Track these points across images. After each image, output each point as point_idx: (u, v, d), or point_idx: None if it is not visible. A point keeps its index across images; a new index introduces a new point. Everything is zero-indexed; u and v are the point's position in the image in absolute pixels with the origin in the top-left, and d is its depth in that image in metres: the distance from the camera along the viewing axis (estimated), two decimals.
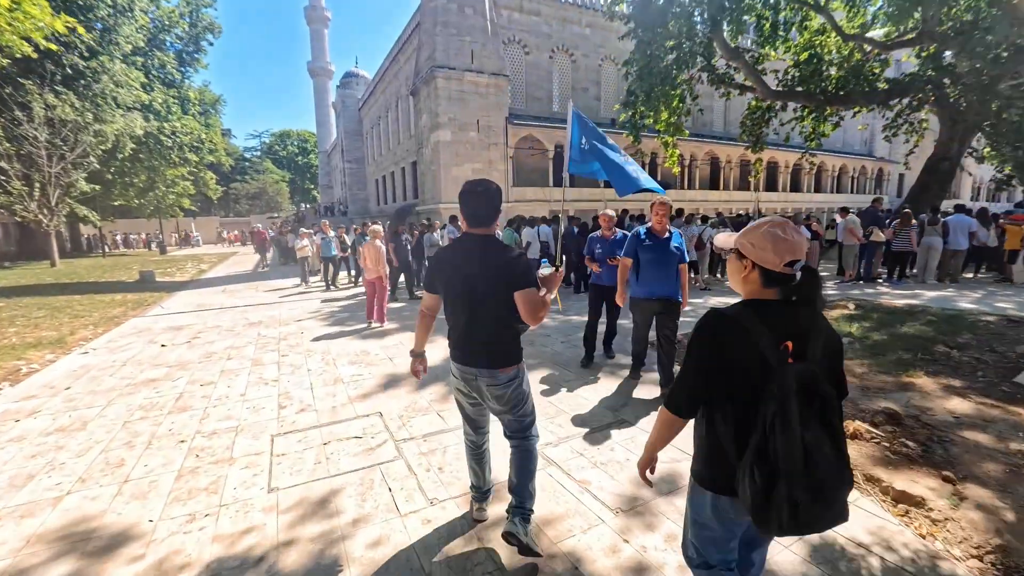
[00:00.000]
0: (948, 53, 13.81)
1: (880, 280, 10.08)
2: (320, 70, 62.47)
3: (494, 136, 21.33)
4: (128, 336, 7.21)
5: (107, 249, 33.45)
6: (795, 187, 36.39)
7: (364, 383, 4.69)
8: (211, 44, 32.17)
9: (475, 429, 2.39)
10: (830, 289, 9.18)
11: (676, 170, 20.11)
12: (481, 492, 2.49)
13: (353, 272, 12.99)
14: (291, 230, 19.37)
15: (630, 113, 16.04)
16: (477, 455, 2.43)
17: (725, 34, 15.08)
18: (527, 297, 1.99)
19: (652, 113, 15.97)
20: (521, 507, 2.22)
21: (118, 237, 37.15)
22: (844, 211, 10.27)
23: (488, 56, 20.67)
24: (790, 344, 1.19)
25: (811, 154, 20.26)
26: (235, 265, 20.10)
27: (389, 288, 7.64)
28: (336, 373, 5.03)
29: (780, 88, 16.82)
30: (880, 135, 20.15)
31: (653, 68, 14.10)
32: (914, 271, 10.17)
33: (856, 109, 17.25)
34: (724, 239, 1.45)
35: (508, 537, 2.13)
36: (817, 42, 16.48)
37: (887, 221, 10.10)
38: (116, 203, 29.00)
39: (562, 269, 3.02)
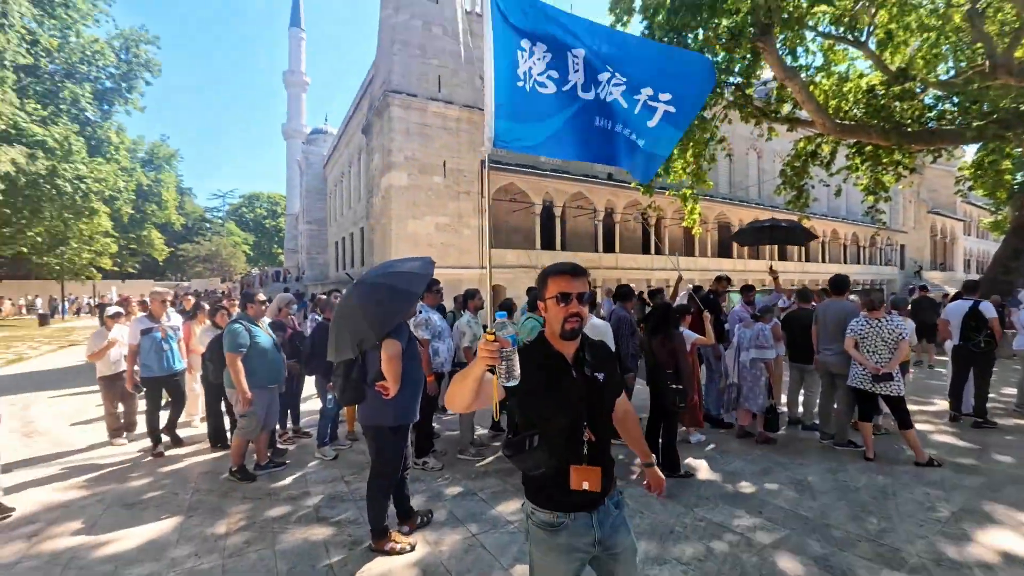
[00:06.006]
0: None
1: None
2: (294, 132, 60.29)
3: (465, 183, 16.66)
4: None
5: None
6: (802, 256, 32.54)
7: None
8: (148, 84, 28.22)
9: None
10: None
11: (698, 231, 15.56)
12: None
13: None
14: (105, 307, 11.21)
15: None
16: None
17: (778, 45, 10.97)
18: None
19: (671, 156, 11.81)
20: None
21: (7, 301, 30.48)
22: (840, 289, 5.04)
23: (460, 85, 16.49)
24: None
25: (878, 214, 15.74)
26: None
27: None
28: None
29: (844, 122, 12.62)
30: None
31: None
32: None
33: (935, 152, 13.35)
34: None
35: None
36: (846, 88, 12.92)
37: None
38: None
39: (511, 328, 1.27)
